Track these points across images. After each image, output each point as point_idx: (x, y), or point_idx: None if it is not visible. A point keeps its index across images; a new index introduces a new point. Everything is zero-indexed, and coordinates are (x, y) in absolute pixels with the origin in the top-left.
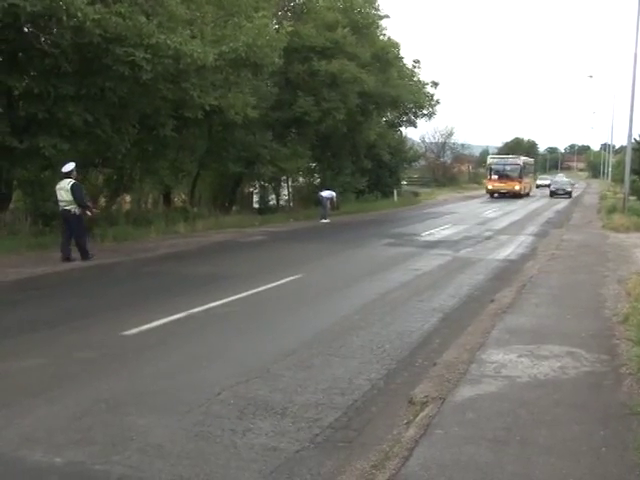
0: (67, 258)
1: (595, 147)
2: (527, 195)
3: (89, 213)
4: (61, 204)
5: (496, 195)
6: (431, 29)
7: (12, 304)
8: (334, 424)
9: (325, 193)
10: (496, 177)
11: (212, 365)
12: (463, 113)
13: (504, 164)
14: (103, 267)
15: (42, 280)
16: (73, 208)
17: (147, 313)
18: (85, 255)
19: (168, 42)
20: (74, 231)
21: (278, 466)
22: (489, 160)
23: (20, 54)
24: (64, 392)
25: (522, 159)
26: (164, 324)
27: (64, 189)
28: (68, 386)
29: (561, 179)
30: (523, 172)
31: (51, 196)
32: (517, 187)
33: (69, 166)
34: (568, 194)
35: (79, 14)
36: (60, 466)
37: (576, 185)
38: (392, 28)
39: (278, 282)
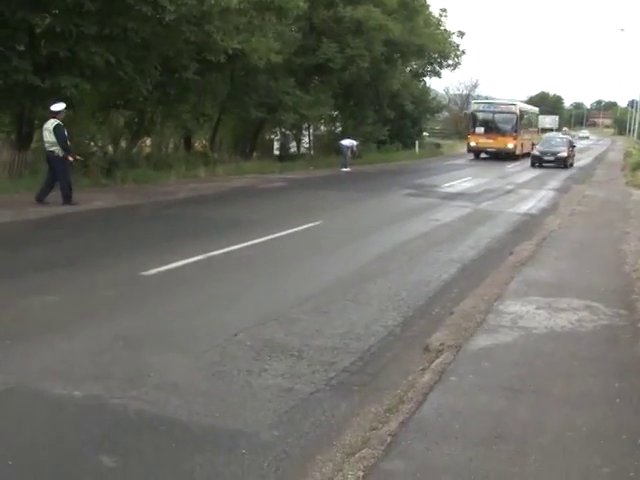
0: (40, 200)
1: (622, 104)
2: (528, 155)
3: (70, 159)
4: (45, 145)
5: (483, 155)
6: None
7: (34, 242)
8: (349, 368)
9: (346, 142)
10: (482, 130)
11: (230, 307)
12: (488, 65)
13: (493, 112)
14: (123, 209)
15: (63, 219)
16: (57, 150)
17: (167, 254)
18: (67, 200)
19: None
20: (56, 174)
21: (293, 407)
22: (473, 106)
23: None
24: (83, 328)
25: (519, 106)
26: (183, 266)
27: (48, 129)
28: (87, 322)
29: (554, 137)
30: (519, 124)
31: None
32: (510, 145)
33: (58, 106)
34: (562, 162)
35: None
36: (79, 399)
37: (592, 142)
38: None
39: (298, 228)
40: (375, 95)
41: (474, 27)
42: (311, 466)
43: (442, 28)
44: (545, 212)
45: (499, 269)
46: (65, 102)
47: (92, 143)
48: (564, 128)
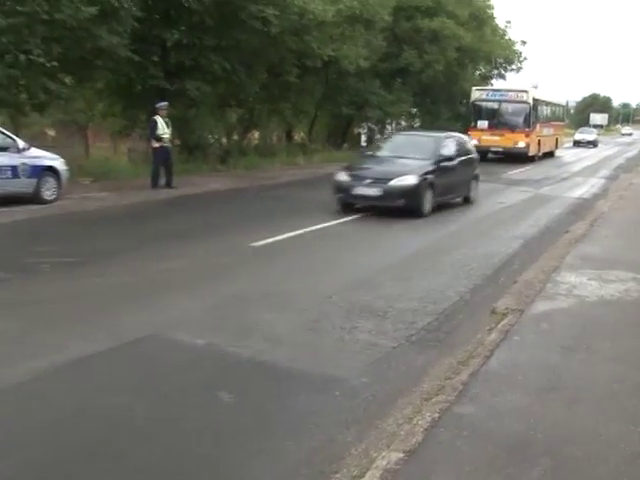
0: (169, 185)
1: None
2: (550, 155)
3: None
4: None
5: (490, 155)
6: None
7: (165, 216)
8: (427, 327)
9: None
10: (485, 124)
11: (325, 273)
12: (546, 69)
13: (499, 100)
14: (235, 190)
15: (187, 199)
16: (153, 142)
17: (271, 229)
18: (152, 183)
19: (294, 1)
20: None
21: (378, 358)
22: (474, 94)
23: (172, 11)
24: (203, 288)
25: (532, 93)
26: (286, 238)
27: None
28: (207, 283)
29: (413, 136)
30: (534, 117)
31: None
32: (521, 143)
33: (160, 103)
34: (406, 201)
35: None
36: (201, 346)
37: (638, 137)
38: None
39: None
40: (449, 94)
41: (534, 34)
42: (394, 408)
43: (507, 37)
44: (596, 197)
45: (556, 245)
46: (189, 102)
47: (210, 136)
48: (617, 125)
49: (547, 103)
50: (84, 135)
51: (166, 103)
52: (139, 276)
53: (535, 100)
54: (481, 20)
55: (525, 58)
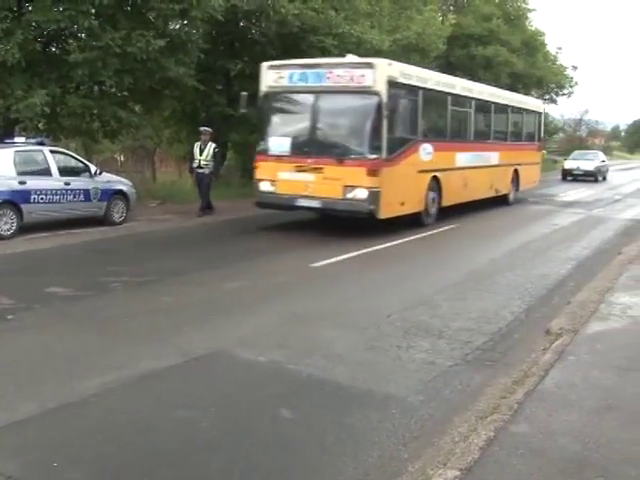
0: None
1: None
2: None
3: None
4: None
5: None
6: (571, 19)
7: (228, 238)
8: (482, 346)
9: None
10: (285, 146)
11: (383, 293)
12: (597, 92)
13: (315, 91)
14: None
15: (247, 221)
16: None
17: (329, 251)
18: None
19: (352, 32)
20: None
21: (435, 376)
22: (266, 77)
23: (236, 43)
24: (266, 307)
25: (386, 71)
26: (344, 259)
27: None
28: (269, 303)
29: None
30: (398, 127)
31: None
32: (361, 191)
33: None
34: None
35: (282, 10)
36: (263, 363)
37: None
38: (538, 19)
39: (438, 230)
40: None
41: (586, 58)
42: (450, 426)
43: (558, 63)
44: None
45: (610, 266)
46: (252, 128)
47: None
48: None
49: (472, 100)
50: (151, 160)
51: (205, 128)
52: (204, 295)
53: (400, 86)
54: (533, 47)
55: (576, 83)
